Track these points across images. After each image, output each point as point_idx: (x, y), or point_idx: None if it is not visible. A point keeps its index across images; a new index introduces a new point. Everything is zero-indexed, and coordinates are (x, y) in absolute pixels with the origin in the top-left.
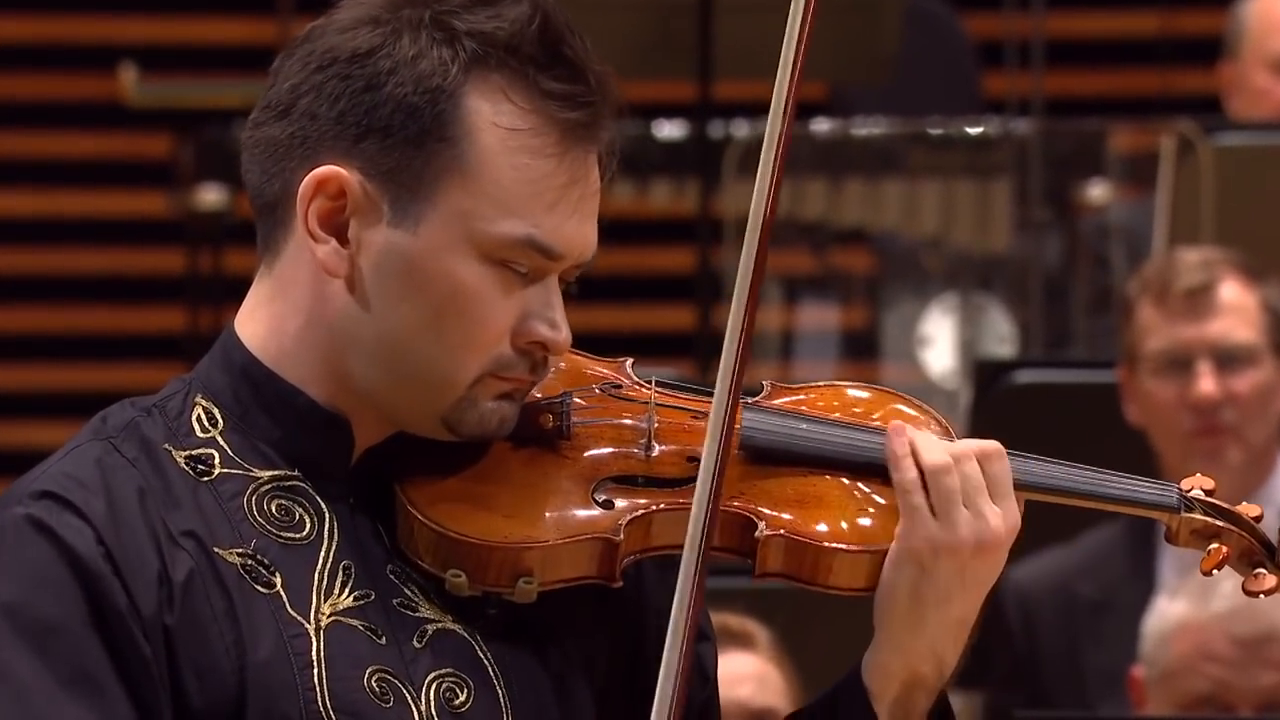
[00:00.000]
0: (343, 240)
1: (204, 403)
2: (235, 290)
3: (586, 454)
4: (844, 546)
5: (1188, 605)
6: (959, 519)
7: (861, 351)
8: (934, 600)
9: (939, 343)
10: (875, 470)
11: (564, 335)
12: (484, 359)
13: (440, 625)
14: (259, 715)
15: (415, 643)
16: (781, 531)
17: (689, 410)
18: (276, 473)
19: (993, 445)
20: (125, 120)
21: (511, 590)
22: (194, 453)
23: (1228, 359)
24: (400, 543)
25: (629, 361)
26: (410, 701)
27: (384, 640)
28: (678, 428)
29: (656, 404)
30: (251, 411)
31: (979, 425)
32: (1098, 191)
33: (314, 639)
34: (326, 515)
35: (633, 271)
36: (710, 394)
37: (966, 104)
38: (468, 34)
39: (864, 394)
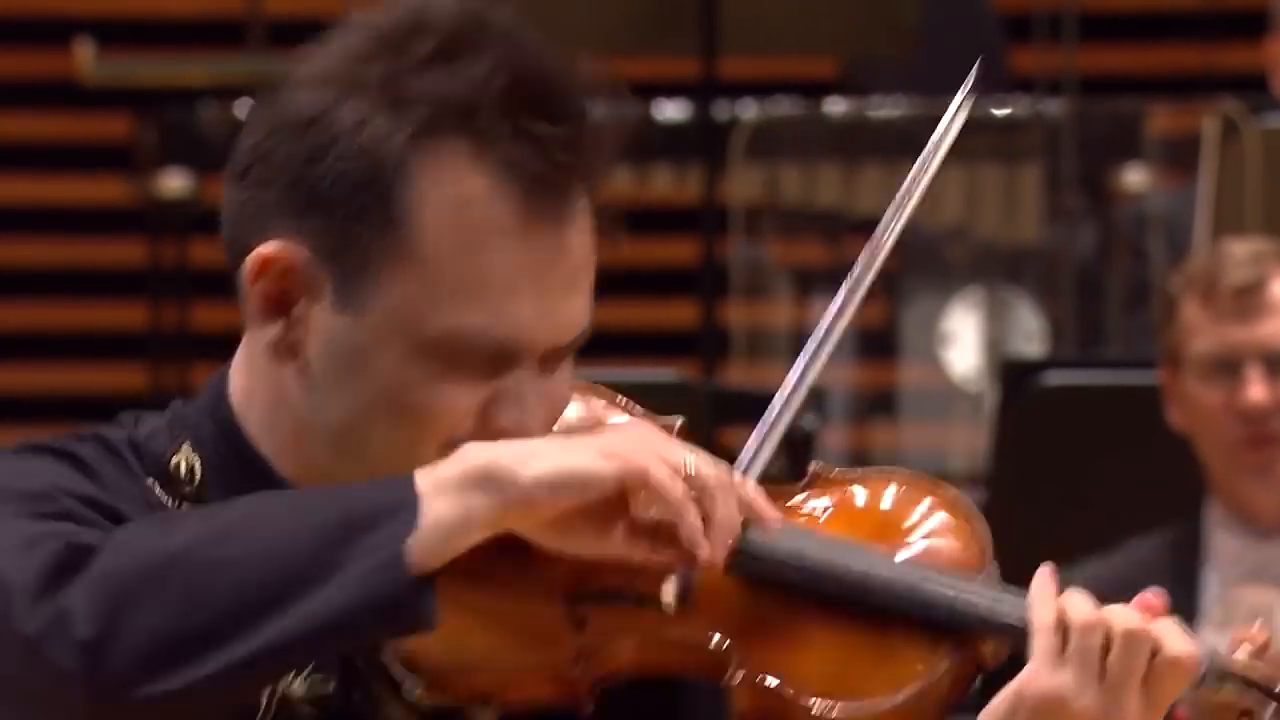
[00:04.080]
0: (289, 321)
1: (187, 452)
2: (202, 284)
3: (568, 561)
4: (817, 704)
5: None
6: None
7: (879, 350)
8: None
9: (962, 341)
10: (880, 614)
11: (532, 432)
12: (443, 448)
13: None
14: None
15: None
16: (755, 679)
17: None
18: None
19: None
20: (81, 100)
21: (468, 710)
22: (173, 503)
23: (1279, 362)
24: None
25: (679, 422)
26: None
27: None
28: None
29: None
30: (229, 474)
31: (1005, 430)
32: (1135, 177)
33: (260, 713)
34: None
35: (632, 264)
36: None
37: (993, 82)
38: (419, 98)
39: (915, 502)
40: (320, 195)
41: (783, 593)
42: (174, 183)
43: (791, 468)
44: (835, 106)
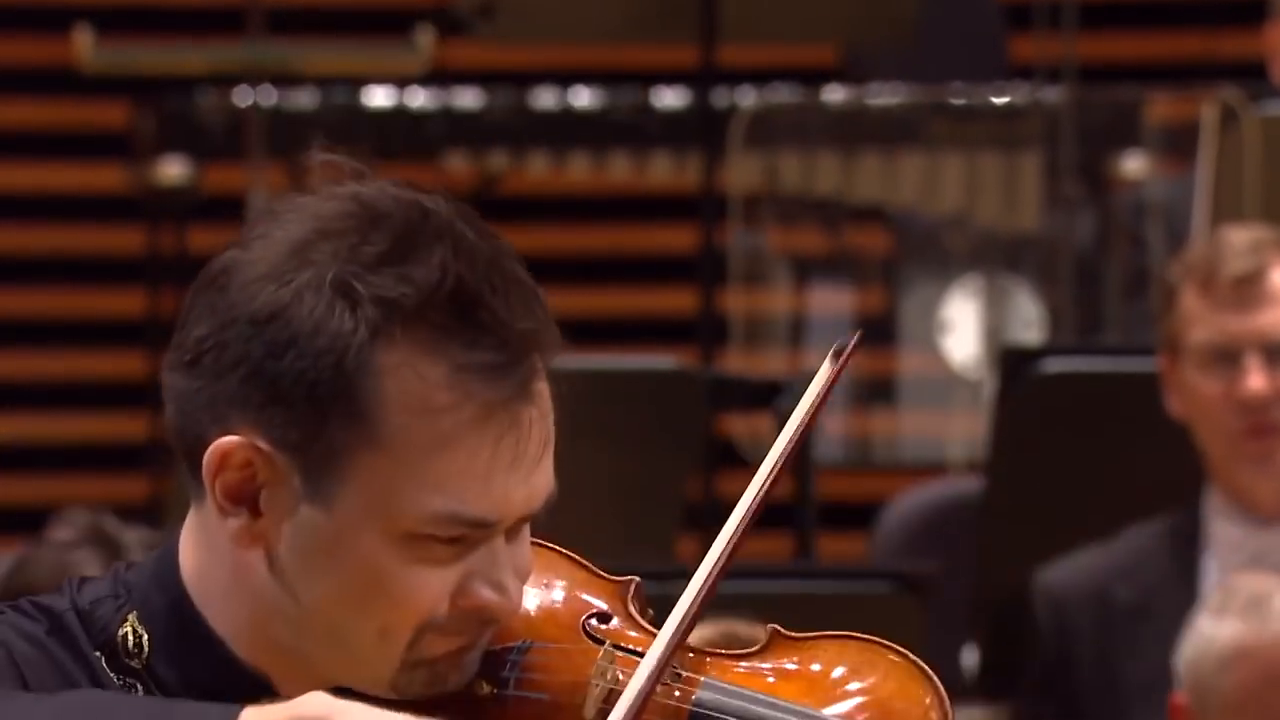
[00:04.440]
0: (255, 511)
1: (134, 624)
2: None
3: None
4: None
5: (1240, 626)
6: None
7: (877, 337)
8: None
9: (961, 328)
10: None
11: (512, 601)
12: (418, 627)
13: None
14: None
15: None
16: None
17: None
18: None
19: None
20: (80, 87)
21: None
22: (122, 676)
23: (1278, 352)
24: None
25: (634, 582)
26: None
27: None
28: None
29: (618, 653)
30: (179, 649)
31: (1004, 418)
32: (1134, 165)
33: None
34: None
35: (630, 251)
36: (699, 650)
37: (992, 70)
38: (372, 300)
39: (876, 669)
40: (281, 391)
41: None
42: (172, 170)
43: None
44: (834, 94)
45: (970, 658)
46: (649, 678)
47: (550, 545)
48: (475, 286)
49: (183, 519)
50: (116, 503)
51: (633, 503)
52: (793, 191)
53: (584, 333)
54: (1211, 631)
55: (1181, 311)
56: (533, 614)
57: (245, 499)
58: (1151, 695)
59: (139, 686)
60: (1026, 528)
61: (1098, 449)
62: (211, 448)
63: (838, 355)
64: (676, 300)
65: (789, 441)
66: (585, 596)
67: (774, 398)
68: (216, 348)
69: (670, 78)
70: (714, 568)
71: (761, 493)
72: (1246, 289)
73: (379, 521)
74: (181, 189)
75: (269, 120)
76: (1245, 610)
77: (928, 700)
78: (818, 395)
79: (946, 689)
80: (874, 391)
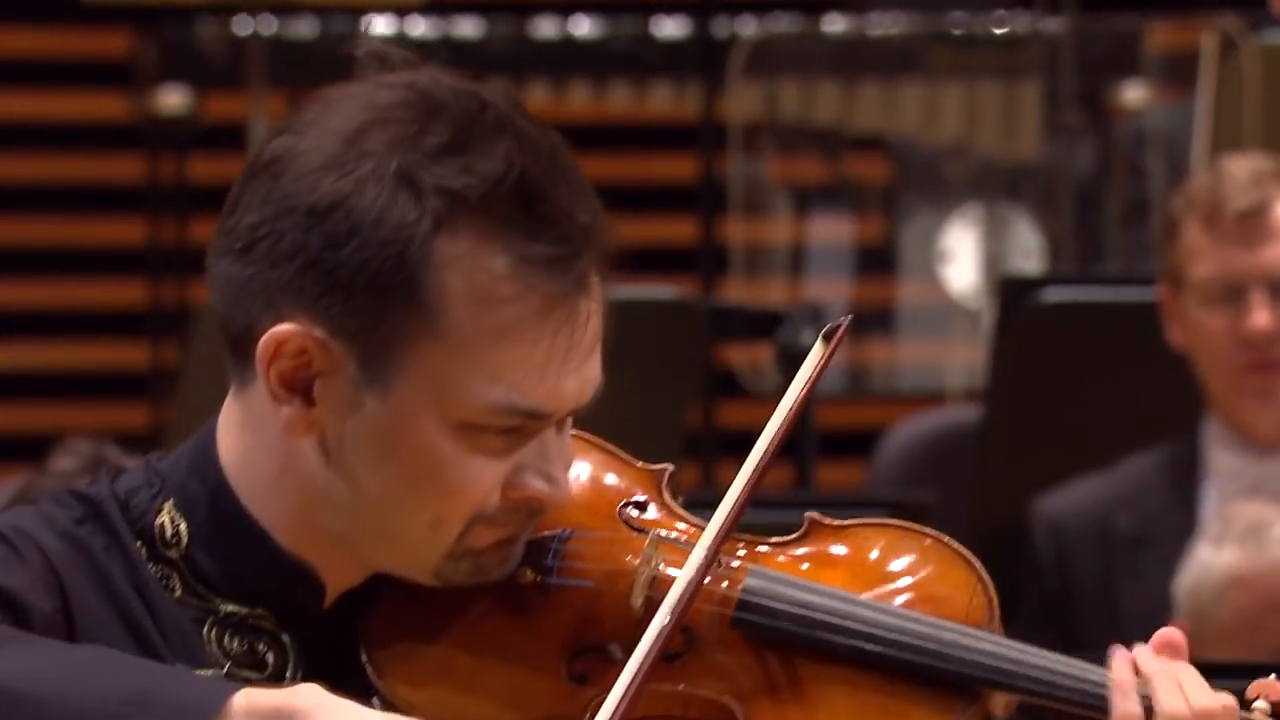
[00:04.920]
0: (308, 399)
1: (172, 513)
2: (200, 200)
3: (568, 615)
4: None
5: (1238, 553)
6: None
7: (877, 266)
8: None
9: (961, 258)
10: (889, 668)
11: (562, 492)
12: (470, 518)
13: None
14: None
15: None
16: None
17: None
18: (240, 609)
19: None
20: (81, 16)
21: None
22: (159, 566)
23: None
24: (366, 693)
25: (668, 470)
26: None
27: None
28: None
29: (661, 543)
30: (218, 538)
31: (1003, 347)
32: (1133, 94)
33: None
34: (290, 658)
35: (630, 181)
36: (739, 538)
37: None
38: (436, 191)
39: (917, 553)
40: (340, 280)
41: (790, 647)
42: (173, 99)
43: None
44: (834, 24)
45: None
46: (700, 566)
47: (584, 434)
48: (538, 179)
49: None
50: (117, 431)
51: (633, 432)
52: (793, 121)
53: None
54: (1210, 559)
55: (1184, 245)
56: (571, 503)
57: (299, 387)
58: (1150, 623)
59: (176, 576)
60: (1025, 456)
61: (1097, 378)
62: (266, 336)
63: (828, 337)
64: (677, 230)
65: (782, 423)
66: (622, 484)
67: (774, 327)
68: (271, 236)
69: (670, 7)
70: (763, 457)
71: (758, 473)
72: (1251, 224)
73: (436, 411)
74: (182, 118)
75: (269, 49)
76: (1243, 538)
77: (970, 583)
78: (809, 377)
79: None
80: (873, 319)
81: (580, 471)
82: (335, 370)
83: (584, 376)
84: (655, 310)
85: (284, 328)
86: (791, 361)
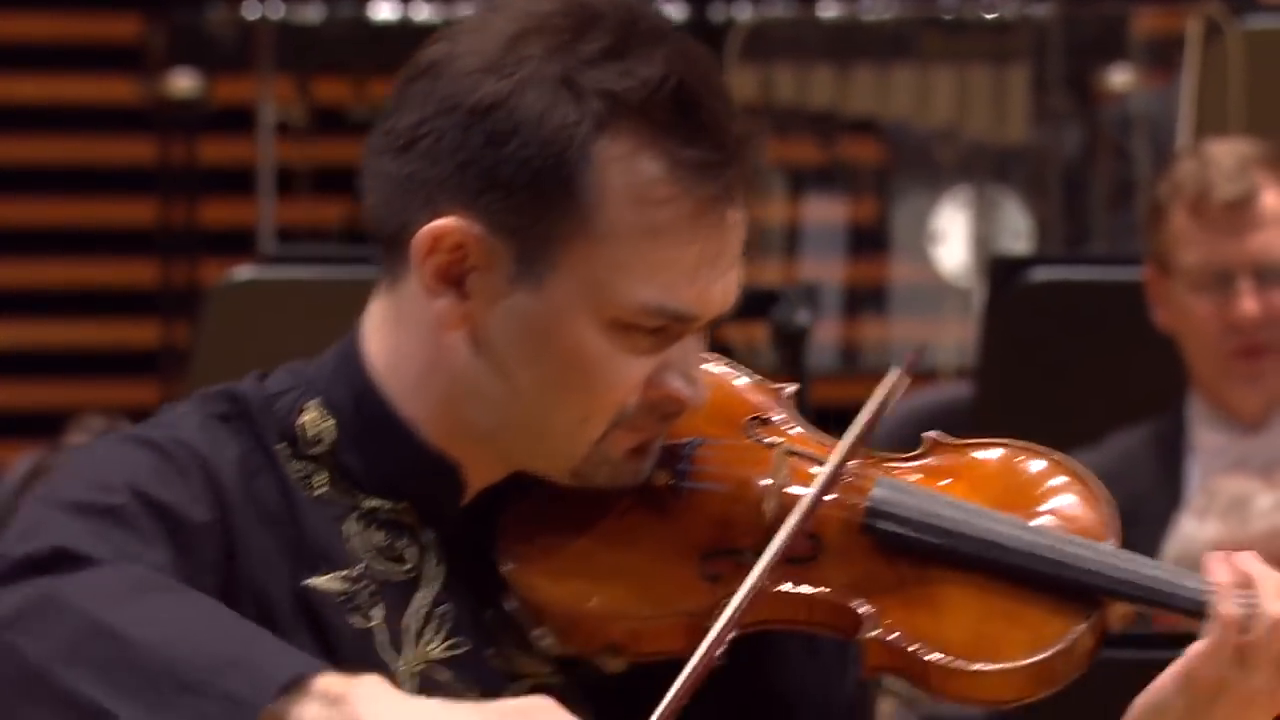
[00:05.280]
0: (462, 293)
1: (316, 412)
2: (209, 182)
3: (700, 518)
4: (954, 662)
5: (1220, 527)
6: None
7: (870, 247)
8: None
9: (951, 238)
10: (1013, 576)
11: (701, 392)
12: (613, 417)
13: (537, 680)
14: None
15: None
16: (888, 638)
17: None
18: (382, 504)
19: None
20: (92, 1)
21: (598, 659)
22: (301, 464)
23: (1269, 275)
24: (501, 591)
25: (789, 390)
26: None
27: (476, 696)
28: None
29: (789, 455)
30: (364, 436)
31: (993, 326)
32: (1120, 78)
33: (404, 687)
34: (431, 553)
35: None
36: (864, 453)
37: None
38: (597, 93)
39: (1036, 468)
40: (500, 178)
41: (916, 554)
42: (183, 83)
43: (787, 364)
44: (828, 10)
45: None
46: (829, 473)
47: (709, 353)
48: (694, 87)
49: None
50: (129, 407)
51: None
52: (788, 104)
53: None
54: (1194, 532)
55: (1171, 231)
56: (700, 414)
57: (454, 281)
58: None
59: (320, 474)
60: (1015, 433)
61: (1084, 356)
62: (424, 229)
63: (902, 370)
64: None
65: (849, 444)
66: (749, 399)
67: (769, 307)
68: (432, 134)
69: None
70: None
71: (885, 394)
72: (1238, 212)
73: (588, 308)
74: (191, 101)
75: (277, 34)
76: (1226, 511)
77: (1089, 497)
78: (878, 406)
79: None
80: (865, 299)
81: (709, 383)
82: (490, 265)
83: (728, 284)
84: None
85: (442, 222)
86: (786, 340)
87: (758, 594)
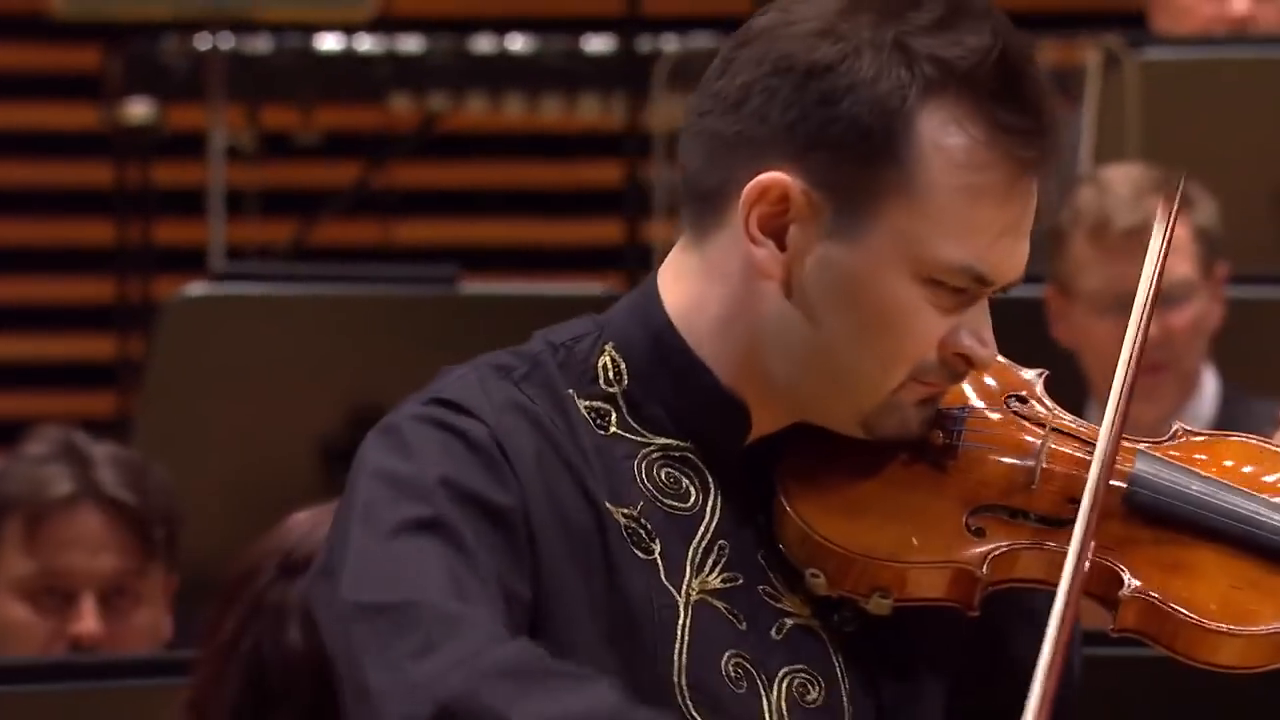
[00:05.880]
0: (780, 245)
1: (613, 354)
2: (163, 203)
3: (969, 476)
4: (1206, 623)
5: None
6: None
7: None
8: None
9: None
10: (1263, 549)
11: (992, 353)
12: (911, 369)
13: (799, 621)
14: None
15: (774, 634)
16: (1147, 595)
17: (1087, 444)
18: (669, 441)
19: None
20: (55, 33)
21: (867, 600)
22: (595, 404)
23: (1166, 299)
24: (773, 530)
25: (1042, 376)
26: (762, 691)
27: (744, 627)
28: (1068, 463)
29: (1053, 431)
30: (657, 376)
31: None
32: None
33: (681, 613)
34: (712, 491)
35: (561, 185)
36: (1127, 436)
37: None
38: (927, 59)
39: (1271, 460)
40: (830, 136)
41: (1171, 524)
42: (138, 110)
43: None
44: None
45: None
46: (1109, 448)
47: None
48: (1018, 59)
49: (147, 437)
50: (86, 418)
51: None
52: None
53: (518, 261)
54: None
55: (1073, 257)
56: (965, 389)
57: (773, 232)
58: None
59: (614, 413)
60: None
61: None
62: (754, 181)
63: (1169, 198)
64: (605, 231)
65: (1116, 417)
66: (1006, 379)
67: None
68: (765, 93)
69: (599, 25)
70: (1131, 359)
71: (1134, 356)
72: (1136, 240)
73: (901, 262)
74: (147, 127)
75: (228, 63)
76: None
77: None
78: (1165, 238)
79: None
80: None
81: None
82: (811, 219)
83: (1024, 252)
84: (585, 306)
85: (771, 175)
86: None
87: (1048, 555)
